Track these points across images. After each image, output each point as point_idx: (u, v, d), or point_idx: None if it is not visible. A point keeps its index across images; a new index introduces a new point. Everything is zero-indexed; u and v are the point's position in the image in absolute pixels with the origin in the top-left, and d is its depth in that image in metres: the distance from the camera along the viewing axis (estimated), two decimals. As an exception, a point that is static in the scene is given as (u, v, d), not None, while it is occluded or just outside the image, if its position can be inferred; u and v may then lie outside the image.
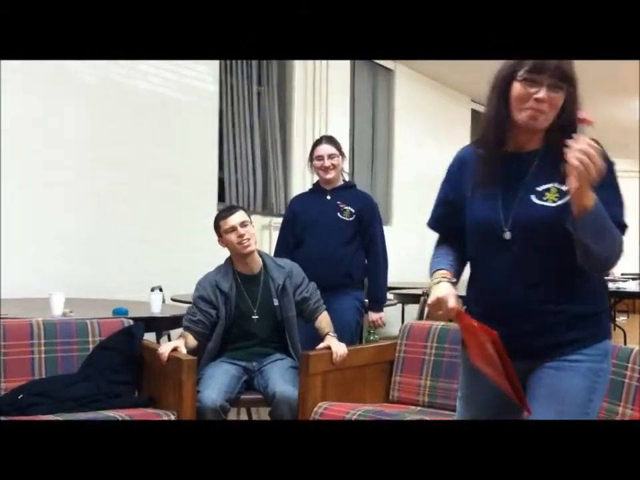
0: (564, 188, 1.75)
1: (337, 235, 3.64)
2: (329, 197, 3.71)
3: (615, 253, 1.75)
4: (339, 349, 3.11)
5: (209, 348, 3.21)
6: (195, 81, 5.54)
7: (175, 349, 2.96)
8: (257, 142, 6.10)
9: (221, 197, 5.89)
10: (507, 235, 1.82)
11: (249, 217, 3.25)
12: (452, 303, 1.79)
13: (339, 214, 3.65)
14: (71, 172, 4.71)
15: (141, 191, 5.13)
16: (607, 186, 1.75)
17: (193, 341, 3.15)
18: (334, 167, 3.68)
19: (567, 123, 1.80)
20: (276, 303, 3.23)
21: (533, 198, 1.81)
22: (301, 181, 6.38)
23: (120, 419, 2.69)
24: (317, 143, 3.76)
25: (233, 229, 3.17)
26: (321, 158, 3.68)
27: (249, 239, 3.16)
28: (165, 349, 2.96)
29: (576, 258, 1.75)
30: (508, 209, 1.84)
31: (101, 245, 4.84)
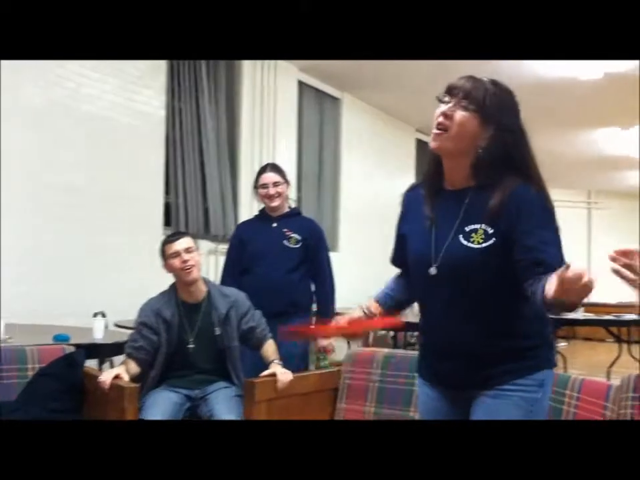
0: (490, 230, 1.79)
1: (282, 263, 3.65)
2: (275, 225, 3.72)
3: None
4: (284, 376, 3.09)
5: (151, 375, 3.17)
6: (143, 105, 5.52)
7: (116, 377, 2.91)
8: (203, 167, 6.08)
9: (168, 222, 5.85)
10: (433, 271, 1.86)
11: (195, 244, 3.22)
12: (343, 319, 1.95)
13: (285, 242, 3.67)
14: (14, 195, 4.63)
15: (86, 214, 5.07)
16: (548, 226, 1.79)
17: (135, 368, 3.10)
18: (279, 194, 3.70)
19: (496, 160, 1.79)
20: (217, 332, 3.19)
21: (461, 238, 1.83)
22: (248, 207, 6.36)
23: (59, 448, 2.64)
24: (262, 171, 3.77)
25: (177, 254, 3.13)
26: (265, 186, 3.69)
27: (192, 266, 3.12)
28: (106, 376, 2.91)
29: (509, 296, 1.79)
30: (439, 246, 1.86)
31: (43, 269, 4.76)
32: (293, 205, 3.95)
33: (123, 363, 3.13)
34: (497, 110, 1.79)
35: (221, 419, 2.97)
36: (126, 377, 2.95)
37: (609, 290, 12.14)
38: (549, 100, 7.67)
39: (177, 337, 3.17)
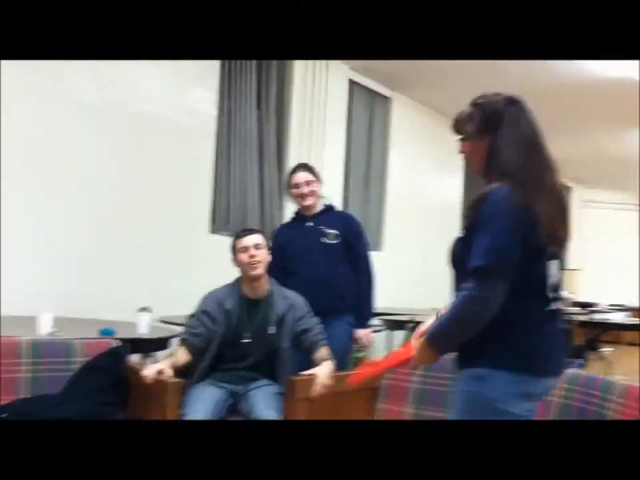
0: (465, 230, 2.03)
1: (325, 260, 3.66)
2: (310, 224, 3.73)
3: (475, 323, 1.92)
4: (322, 377, 3.08)
5: (200, 366, 3.20)
6: (194, 104, 5.58)
7: (160, 372, 2.95)
8: (252, 166, 6.12)
9: (215, 220, 5.91)
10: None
11: (266, 243, 3.28)
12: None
13: (323, 239, 3.67)
14: (65, 192, 4.74)
15: (133, 211, 5.15)
16: (477, 229, 1.91)
17: (186, 356, 3.15)
18: (312, 193, 3.70)
19: (491, 166, 2.01)
20: (272, 331, 3.23)
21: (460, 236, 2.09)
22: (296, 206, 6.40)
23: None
24: (294, 171, 3.79)
25: (246, 249, 3.21)
26: (298, 186, 3.71)
27: (258, 262, 3.19)
28: (149, 371, 2.96)
29: None
30: None
31: (91, 264, 4.85)
32: (326, 202, 3.88)
33: (170, 355, 3.17)
34: (477, 125, 2.00)
35: (261, 416, 2.99)
36: (169, 372, 2.97)
37: (656, 295, 11.55)
38: (604, 99, 7.52)
39: (235, 329, 3.21)
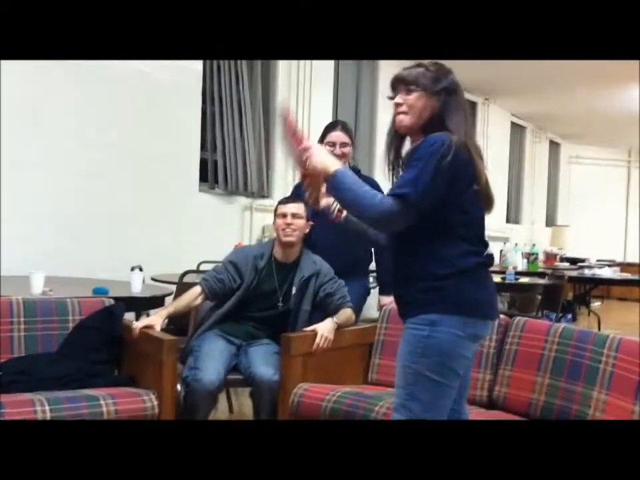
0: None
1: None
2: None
3: (362, 212, 2.11)
4: (322, 328, 3.15)
5: (217, 313, 3.28)
6: (180, 61, 5.49)
7: (148, 326, 3.00)
8: (238, 122, 6.06)
9: (203, 178, 5.88)
10: None
11: (307, 214, 3.30)
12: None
13: None
14: (54, 151, 4.68)
15: (122, 170, 5.10)
16: (412, 164, 2.08)
17: (199, 299, 3.23)
18: (344, 155, 3.59)
19: (434, 121, 2.18)
20: (294, 291, 3.28)
21: None
22: (283, 163, 6.37)
23: (100, 397, 2.70)
24: (331, 128, 3.64)
25: (284, 215, 3.28)
26: (332, 145, 3.55)
27: (293, 230, 3.26)
28: (138, 323, 3.02)
29: (407, 241, 2.17)
30: None
31: (81, 224, 4.82)
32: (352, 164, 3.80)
33: (163, 309, 3.20)
34: (432, 83, 2.16)
35: (258, 372, 3.02)
36: (158, 328, 3.03)
37: (645, 250, 11.73)
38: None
39: (259, 286, 3.28)
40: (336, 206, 2.43)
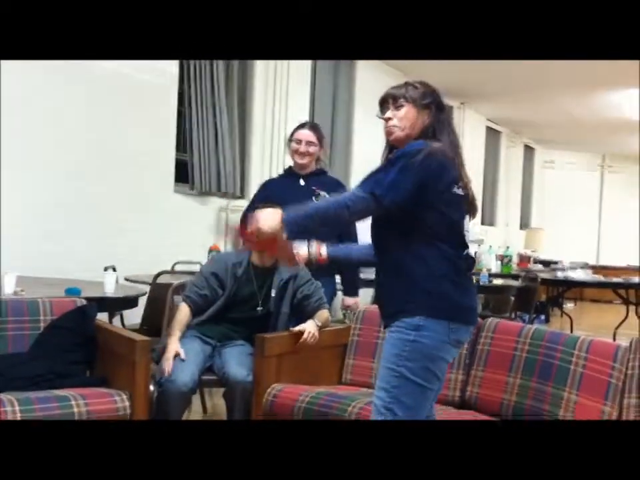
0: None
1: None
2: (303, 182, 3.70)
3: (338, 223, 2.25)
4: (310, 328, 3.18)
5: (198, 319, 3.28)
6: (156, 62, 5.46)
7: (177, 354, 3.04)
8: (216, 123, 6.04)
9: (179, 179, 5.85)
10: None
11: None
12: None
13: (314, 199, 3.64)
14: (27, 151, 4.63)
15: (97, 170, 5.06)
16: (384, 166, 2.16)
17: (189, 316, 3.23)
18: (309, 154, 3.65)
19: (423, 132, 2.27)
20: (273, 293, 3.28)
21: None
22: (259, 163, 6.37)
23: (71, 397, 2.68)
24: (300, 127, 3.73)
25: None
26: (299, 142, 3.64)
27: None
28: (168, 364, 2.99)
29: (390, 246, 2.22)
30: None
31: (54, 224, 4.77)
32: (325, 168, 3.85)
33: (171, 332, 3.17)
34: (420, 97, 2.26)
35: (231, 372, 3.02)
36: (183, 355, 3.04)
37: (617, 253, 12.21)
38: (568, 62, 7.55)
39: (240, 293, 3.28)
40: (312, 255, 2.45)
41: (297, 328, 3.18)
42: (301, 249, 2.41)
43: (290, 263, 2.42)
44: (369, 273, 4.99)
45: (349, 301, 3.75)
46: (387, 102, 2.30)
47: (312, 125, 3.77)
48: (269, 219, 2.10)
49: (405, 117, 2.26)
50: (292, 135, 3.72)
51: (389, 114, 2.29)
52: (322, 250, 2.45)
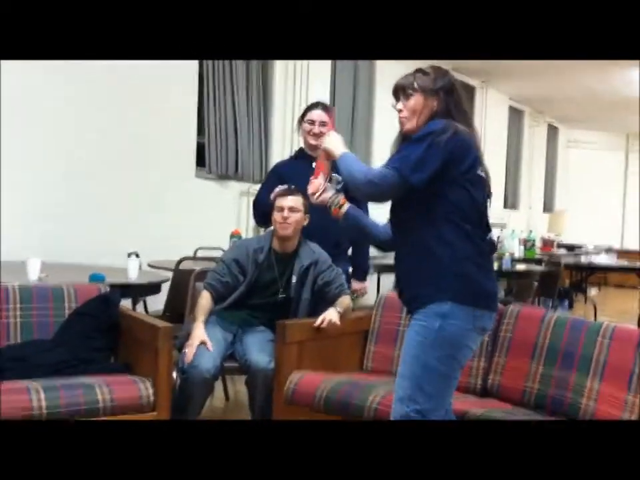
0: None
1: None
2: (315, 165, 3.64)
3: (353, 180, 2.22)
4: (330, 315, 3.17)
5: (220, 306, 3.28)
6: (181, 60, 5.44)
7: (203, 342, 3.04)
8: (237, 108, 6.03)
9: (200, 163, 5.86)
10: None
11: (304, 207, 3.26)
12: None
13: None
14: (51, 136, 4.66)
15: (119, 156, 5.08)
16: (409, 144, 2.18)
17: (211, 303, 3.23)
18: (322, 134, 3.56)
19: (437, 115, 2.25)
20: (294, 279, 3.29)
21: None
22: (280, 148, 6.35)
23: (96, 385, 2.71)
24: (312, 107, 3.65)
25: (281, 209, 3.25)
26: (312, 122, 3.56)
27: (289, 224, 3.24)
28: (191, 350, 3.00)
29: (412, 228, 2.22)
30: None
31: (78, 210, 4.81)
32: None
33: (195, 318, 3.18)
34: (430, 84, 2.25)
35: (253, 359, 3.04)
36: (209, 344, 3.05)
37: (643, 237, 11.65)
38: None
39: (261, 279, 3.28)
40: (333, 201, 2.43)
41: (319, 319, 3.16)
42: (329, 192, 2.44)
43: (312, 195, 2.47)
44: (389, 259, 4.96)
45: (356, 285, 3.73)
46: (398, 92, 2.32)
47: (324, 106, 3.67)
48: (334, 142, 2.35)
49: (414, 108, 2.26)
50: (303, 115, 3.65)
51: (399, 105, 2.30)
52: (345, 205, 2.43)
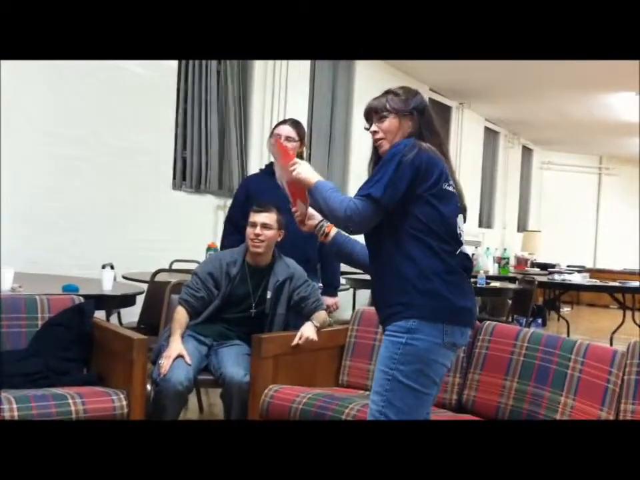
0: None
1: (292, 219, 3.60)
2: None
3: (331, 213, 2.19)
4: (306, 331, 3.18)
5: (195, 321, 3.27)
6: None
7: (180, 355, 3.03)
8: (214, 121, 6.04)
9: (176, 176, 5.84)
10: None
11: (279, 223, 3.26)
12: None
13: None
14: (26, 146, 4.62)
15: (95, 166, 5.05)
16: (380, 167, 2.18)
17: (187, 319, 3.22)
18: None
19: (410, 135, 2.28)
20: (269, 295, 3.28)
21: None
22: (258, 162, 6.36)
23: (69, 396, 2.67)
24: (281, 123, 3.69)
25: (254, 224, 3.24)
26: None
27: (261, 241, 3.23)
28: (167, 362, 2.98)
29: (383, 249, 2.23)
30: None
31: (53, 220, 4.77)
32: None
33: (171, 332, 3.16)
34: (402, 105, 2.28)
35: (228, 372, 3.02)
36: (187, 359, 3.03)
37: (614, 257, 12.22)
38: (566, 63, 7.55)
39: (235, 293, 3.27)
40: (319, 230, 2.45)
41: (297, 337, 3.17)
42: (315, 219, 2.44)
43: (300, 223, 2.47)
44: (364, 274, 4.96)
45: (329, 300, 3.72)
46: (371, 114, 2.33)
47: (293, 121, 3.68)
48: (306, 172, 2.30)
49: (388, 129, 2.28)
50: (272, 131, 3.68)
51: (373, 127, 2.32)
52: (332, 231, 2.44)
